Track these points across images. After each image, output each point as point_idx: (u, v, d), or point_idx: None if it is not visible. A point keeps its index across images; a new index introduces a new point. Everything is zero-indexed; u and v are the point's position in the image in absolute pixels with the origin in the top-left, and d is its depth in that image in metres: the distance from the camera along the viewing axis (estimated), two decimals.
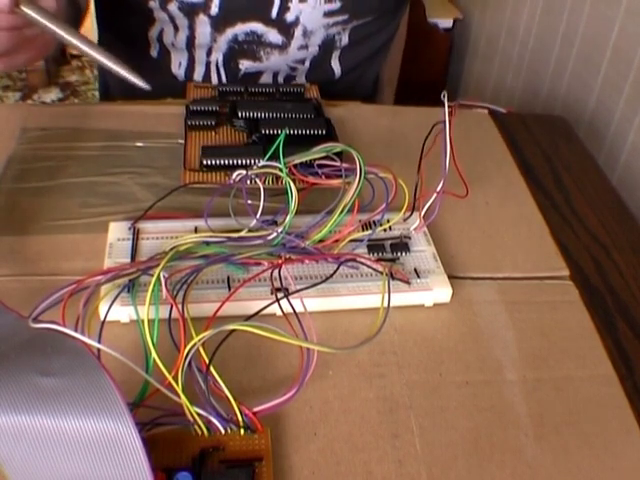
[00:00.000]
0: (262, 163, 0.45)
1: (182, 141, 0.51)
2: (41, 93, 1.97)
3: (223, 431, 0.31)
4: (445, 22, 1.52)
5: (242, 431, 0.31)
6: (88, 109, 0.57)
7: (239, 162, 0.48)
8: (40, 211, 0.45)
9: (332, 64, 0.69)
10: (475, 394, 0.36)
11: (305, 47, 0.65)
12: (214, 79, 0.68)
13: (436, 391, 0.36)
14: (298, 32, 0.64)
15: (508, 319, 0.40)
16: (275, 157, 0.44)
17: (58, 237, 0.43)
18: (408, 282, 0.40)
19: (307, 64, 0.68)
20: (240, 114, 0.53)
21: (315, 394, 0.35)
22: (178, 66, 0.68)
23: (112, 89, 0.76)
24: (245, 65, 0.66)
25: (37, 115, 0.54)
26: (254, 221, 0.41)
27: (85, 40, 0.42)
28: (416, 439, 0.34)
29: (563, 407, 0.36)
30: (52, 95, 1.97)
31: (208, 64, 0.67)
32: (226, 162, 0.48)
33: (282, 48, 0.65)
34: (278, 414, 0.33)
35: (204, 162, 0.48)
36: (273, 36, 0.63)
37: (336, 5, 0.62)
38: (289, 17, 0.62)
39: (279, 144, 0.44)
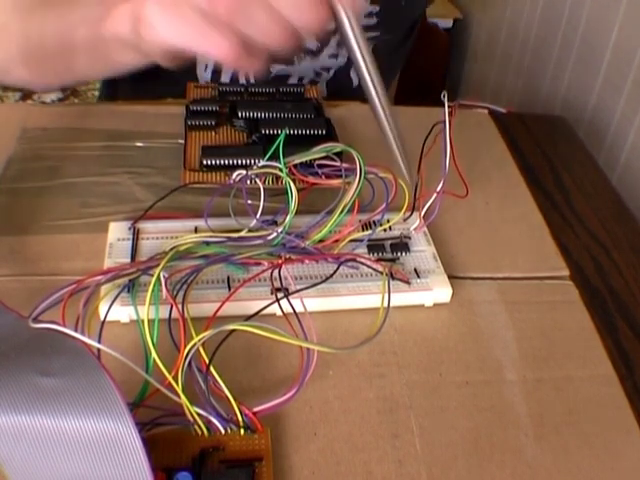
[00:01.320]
0: (262, 163, 0.45)
1: (182, 141, 0.51)
2: (41, 93, 1.96)
3: (223, 431, 0.31)
4: (445, 22, 1.52)
5: (242, 431, 0.31)
6: (88, 109, 0.57)
7: (239, 162, 0.48)
8: (40, 211, 0.45)
9: (351, 74, 0.70)
10: (475, 394, 0.36)
11: (335, 56, 0.66)
12: (242, 80, 0.66)
13: (436, 391, 0.36)
14: (334, 40, 0.64)
15: (508, 319, 0.40)
16: (275, 157, 0.44)
17: (58, 237, 0.43)
18: (408, 282, 0.40)
19: (331, 73, 0.69)
20: (240, 114, 0.53)
21: (315, 394, 0.35)
22: (204, 69, 0.66)
23: (120, 89, 0.75)
24: (276, 68, 0.66)
25: (37, 115, 0.54)
26: (254, 221, 0.41)
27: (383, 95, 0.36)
28: (416, 439, 0.34)
29: (563, 407, 0.36)
30: (52, 95, 1.97)
31: None
32: (226, 162, 0.48)
33: (314, 54, 0.65)
34: (278, 414, 0.33)
35: (204, 162, 0.48)
36: (309, 41, 0.64)
37: (373, 21, 0.64)
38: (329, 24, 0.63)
39: (279, 144, 0.44)
